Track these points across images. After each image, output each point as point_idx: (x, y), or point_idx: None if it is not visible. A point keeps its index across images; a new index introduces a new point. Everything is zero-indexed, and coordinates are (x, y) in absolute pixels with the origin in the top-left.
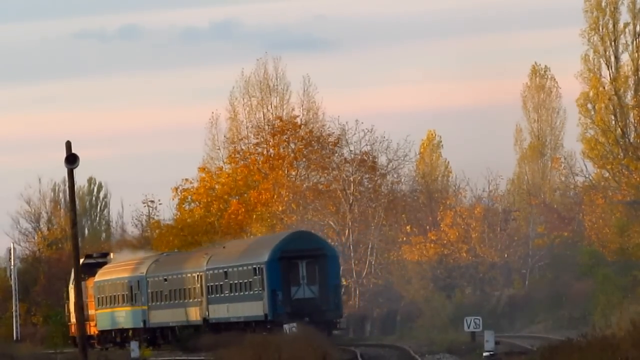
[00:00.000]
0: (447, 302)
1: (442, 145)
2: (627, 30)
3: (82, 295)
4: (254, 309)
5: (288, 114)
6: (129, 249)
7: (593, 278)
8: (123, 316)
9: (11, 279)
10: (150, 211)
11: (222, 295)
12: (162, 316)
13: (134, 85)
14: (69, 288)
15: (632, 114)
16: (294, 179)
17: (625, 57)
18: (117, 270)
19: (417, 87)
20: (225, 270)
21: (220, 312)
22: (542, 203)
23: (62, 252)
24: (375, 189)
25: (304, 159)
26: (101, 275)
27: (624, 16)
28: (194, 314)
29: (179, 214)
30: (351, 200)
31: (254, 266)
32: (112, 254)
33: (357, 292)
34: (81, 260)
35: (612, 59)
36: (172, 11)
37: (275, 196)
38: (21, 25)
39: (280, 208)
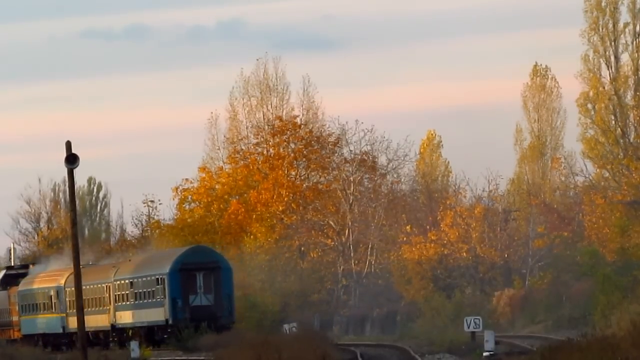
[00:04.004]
0: (447, 302)
1: (442, 145)
2: (627, 30)
3: (81, 296)
4: (157, 315)
5: (288, 114)
6: (47, 261)
7: (593, 278)
8: (44, 322)
9: None
10: (150, 211)
11: (128, 303)
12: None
13: (135, 85)
14: None
15: (632, 114)
16: (293, 179)
17: (625, 57)
18: (38, 281)
19: (417, 87)
20: (131, 280)
21: (126, 318)
22: (542, 203)
23: (63, 252)
24: (375, 189)
25: (303, 159)
26: (24, 285)
27: (624, 16)
28: (104, 320)
29: (179, 214)
30: (351, 200)
31: (157, 277)
32: (31, 266)
33: (357, 292)
34: (3, 272)
35: (612, 59)
36: (179, 10)
37: (275, 196)
38: (28, 24)
39: (280, 208)
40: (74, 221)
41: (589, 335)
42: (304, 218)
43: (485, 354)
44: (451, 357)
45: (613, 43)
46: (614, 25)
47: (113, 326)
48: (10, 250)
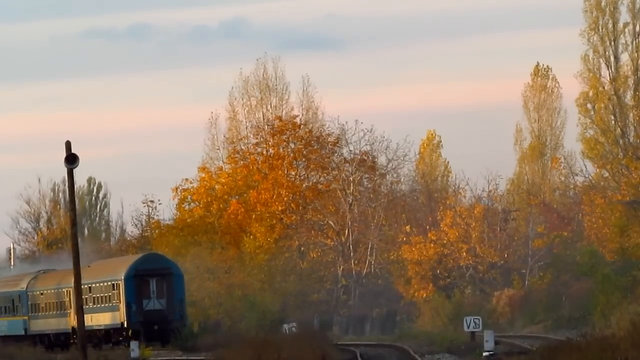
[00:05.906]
0: (447, 302)
1: (441, 145)
2: (626, 30)
3: (81, 296)
4: (113, 318)
5: (287, 113)
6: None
7: (592, 278)
8: (5, 325)
9: None
10: (150, 211)
11: (87, 307)
12: (41, 325)
13: (135, 85)
14: None
15: (631, 114)
16: (293, 178)
17: (624, 57)
18: None
19: (417, 87)
20: (90, 285)
21: (85, 321)
22: (541, 203)
23: (62, 252)
24: (374, 189)
25: (303, 159)
26: None
27: (624, 16)
28: (65, 324)
29: (178, 213)
30: (351, 200)
31: (113, 282)
32: None
33: (357, 292)
34: None
35: (612, 58)
36: (181, 10)
37: (274, 196)
38: (29, 24)
39: (279, 208)
40: (74, 221)
41: (588, 335)
42: (303, 218)
43: (485, 354)
44: (451, 357)
45: (613, 43)
46: (613, 25)
47: (73, 329)
48: (9, 250)
